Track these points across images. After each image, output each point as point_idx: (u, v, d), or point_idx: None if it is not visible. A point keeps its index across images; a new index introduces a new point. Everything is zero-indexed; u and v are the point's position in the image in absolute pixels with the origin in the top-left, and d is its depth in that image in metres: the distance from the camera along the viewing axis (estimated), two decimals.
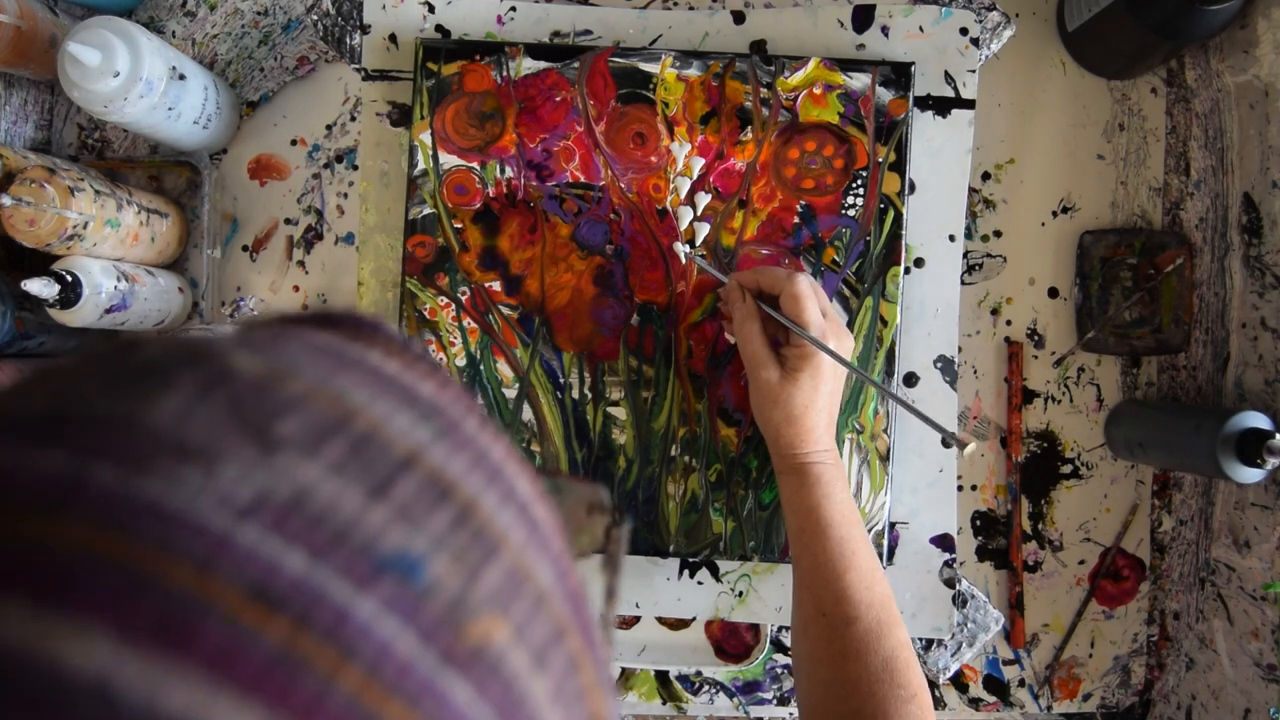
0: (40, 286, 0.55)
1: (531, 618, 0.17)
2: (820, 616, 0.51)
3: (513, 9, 0.65)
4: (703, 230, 0.63)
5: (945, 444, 0.64)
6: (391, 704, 0.14)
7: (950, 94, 0.64)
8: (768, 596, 0.64)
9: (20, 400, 0.16)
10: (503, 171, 0.63)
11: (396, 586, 0.15)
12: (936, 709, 0.68)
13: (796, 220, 0.63)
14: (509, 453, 0.20)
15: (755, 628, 0.68)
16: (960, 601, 0.66)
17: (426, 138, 0.63)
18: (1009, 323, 0.69)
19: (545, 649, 0.17)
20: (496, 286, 0.63)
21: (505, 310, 0.63)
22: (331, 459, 0.16)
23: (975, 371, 0.69)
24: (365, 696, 0.14)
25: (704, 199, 0.63)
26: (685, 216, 0.63)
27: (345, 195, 0.69)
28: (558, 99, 0.63)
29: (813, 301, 0.54)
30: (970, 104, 0.64)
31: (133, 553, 0.14)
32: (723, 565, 0.64)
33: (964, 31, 0.64)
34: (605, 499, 0.26)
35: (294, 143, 0.69)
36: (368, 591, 0.15)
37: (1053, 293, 0.69)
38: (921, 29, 0.64)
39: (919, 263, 0.64)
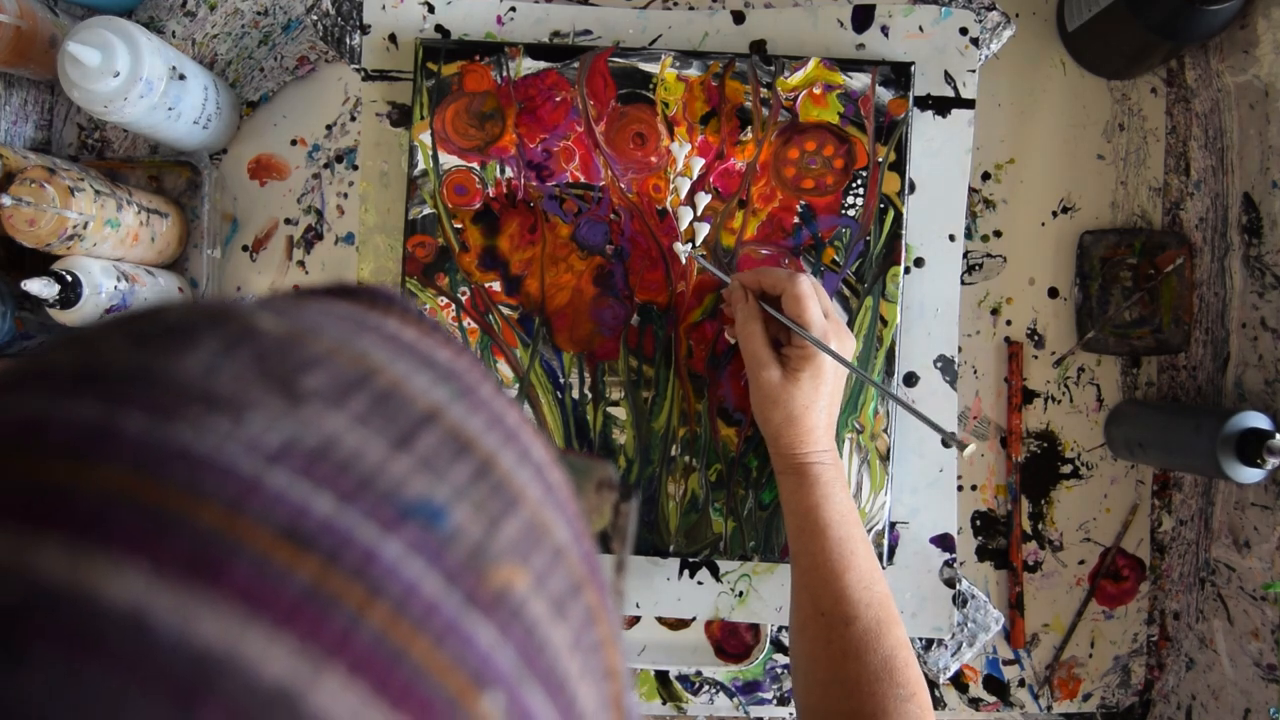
0: (40, 286, 0.55)
1: (550, 569, 0.18)
2: (819, 616, 0.51)
3: (512, 9, 0.65)
4: (703, 230, 0.63)
5: (945, 444, 0.64)
6: (419, 641, 0.15)
7: (950, 94, 0.64)
8: (768, 596, 0.64)
9: (51, 357, 0.17)
10: (503, 172, 0.63)
11: (421, 531, 0.16)
12: (936, 709, 0.68)
13: (796, 220, 0.63)
14: (524, 419, 0.20)
15: (755, 628, 0.68)
16: (960, 601, 0.66)
17: (426, 138, 0.63)
18: (1009, 323, 0.69)
19: (564, 600, 0.18)
20: (496, 286, 0.63)
21: (505, 310, 0.63)
22: (356, 411, 0.17)
23: (975, 371, 0.69)
24: (393, 633, 0.14)
25: (704, 199, 0.63)
26: (685, 216, 0.63)
27: (345, 195, 0.69)
28: (558, 99, 0.63)
29: (814, 302, 0.54)
30: (970, 104, 0.64)
31: (163, 494, 0.14)
32: (723, 565, 0.64)
33: (964, 31, 0.64)
34: (613, 475, 0.26)
35: (294, 143, 0.69)
36: (393, 535, 0.15)
37: (1053, 293, 0.69)
38: (921, 29, 0.64)
39: (919, 263, 0.64)
